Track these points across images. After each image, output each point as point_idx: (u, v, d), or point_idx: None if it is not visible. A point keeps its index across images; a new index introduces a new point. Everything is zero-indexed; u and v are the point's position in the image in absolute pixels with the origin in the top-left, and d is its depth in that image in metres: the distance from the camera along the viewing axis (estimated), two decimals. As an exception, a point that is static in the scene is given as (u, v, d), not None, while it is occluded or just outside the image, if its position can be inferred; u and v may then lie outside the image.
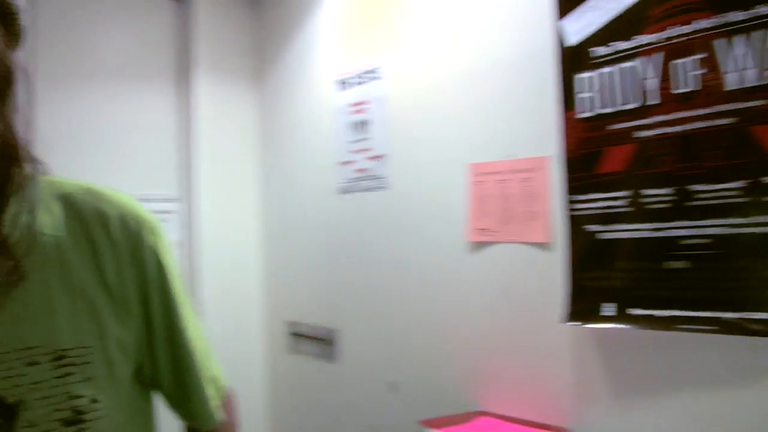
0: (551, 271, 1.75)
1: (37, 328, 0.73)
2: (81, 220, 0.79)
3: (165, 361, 0.86)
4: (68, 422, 0.73)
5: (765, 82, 1.34)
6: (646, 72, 1.52)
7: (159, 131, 2.73)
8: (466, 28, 2.00)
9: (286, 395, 2.78)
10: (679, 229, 1.47)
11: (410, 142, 2.18)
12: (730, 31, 1.38)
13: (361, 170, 2.34)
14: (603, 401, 1.65)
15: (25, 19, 0.81)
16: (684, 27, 1.46)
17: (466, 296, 1.99)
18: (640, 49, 1.54)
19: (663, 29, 1.49)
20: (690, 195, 1.45)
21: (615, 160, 1.59)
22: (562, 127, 1.70)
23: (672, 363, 1.52)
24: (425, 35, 2.12)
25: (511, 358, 1.87)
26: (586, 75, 1.64)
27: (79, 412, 0.74)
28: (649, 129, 1.52)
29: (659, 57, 1.50)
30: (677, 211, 1.47)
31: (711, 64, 1.42)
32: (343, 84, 2.42)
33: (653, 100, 1.51)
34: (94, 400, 0.75)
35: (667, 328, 1.48)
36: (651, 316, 1.51)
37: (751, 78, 1.35)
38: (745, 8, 1.36)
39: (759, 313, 1.33)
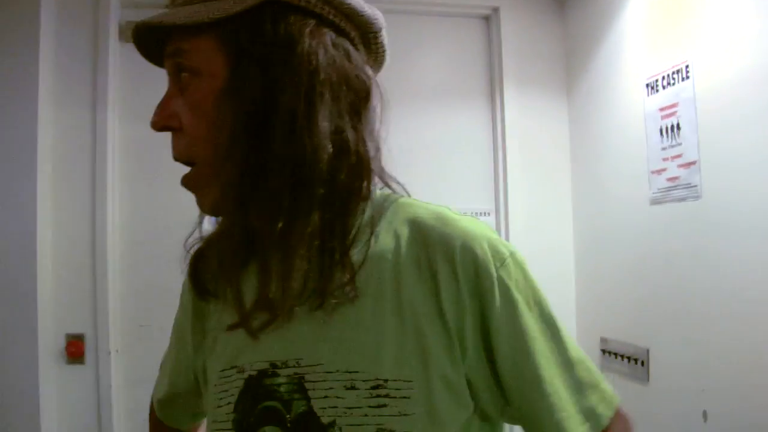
0: None
1: (362, 352, 0.72)
2: (425, 246, 0.76)
3: (514, 400, 0.77)
4: None
5: None
6: None
7: (474, 146, 2.86)
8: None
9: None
10: None
11: (724, 145, 1.95)
12: None
13: (672, 179, 2.17)
14: None
15: (385, 38, 0.83)
16: None
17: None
18: None
19: None
20: None
21: None
22: None
23: None
24: (733, 27, 1.89)
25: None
26: None
27: None
28: None
29: None
30: None
31: None
32: (652, 87, 2.26)
33: None
34: None
35: None
36: None
37: None
38: None
39: None
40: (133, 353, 2.51)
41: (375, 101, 0.80)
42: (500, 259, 0.76)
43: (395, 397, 0.71)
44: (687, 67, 2.09)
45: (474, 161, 2.86)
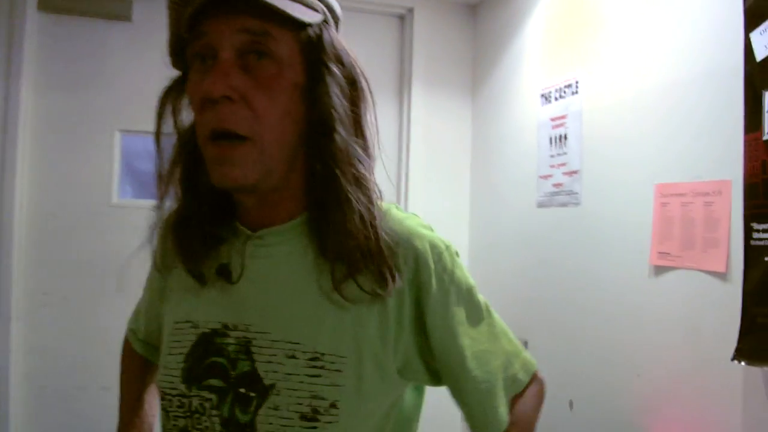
0: (728, 304, 1.62)
1: (304, 328, 0.82)
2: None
3: (445, 379, 0.91)
4: (305, 417, 0.79)
5: None
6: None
7: (381, 141, 2.96)
8: (656, 45, 1.91)
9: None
10: None
11: (602, 158, 2.13)
12: None
13: (557, 185, 2.34)
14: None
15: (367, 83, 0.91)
16: None
17: (644, 321, 1.92)
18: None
19: None
20: None
21: (789, 187, 1.44)
22: (743, 150, 1.57)
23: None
24: (619, 51, 2.06)
25: (681, 391, 1.77)
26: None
27: (317, 412, 0.79)
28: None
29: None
30: None
31: None
32: (546, 97, 2.43)
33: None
34: (333, 405, 0.80)
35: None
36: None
37: None
38: None
39: None
40: (34, 321, 2.53)
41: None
42: (437, 253, 0.88)
43: (329, 369, 0.81)
44: (577, 83, 2.26)
45: (378, 156, 2.96)
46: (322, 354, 0.82)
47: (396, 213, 0.91)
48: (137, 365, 1.15)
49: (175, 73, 0.91)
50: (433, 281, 0.86)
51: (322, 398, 0.80)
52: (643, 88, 1.96)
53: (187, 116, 0.88)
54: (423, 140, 2.95)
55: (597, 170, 2.16)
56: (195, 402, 0.84)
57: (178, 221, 0.90)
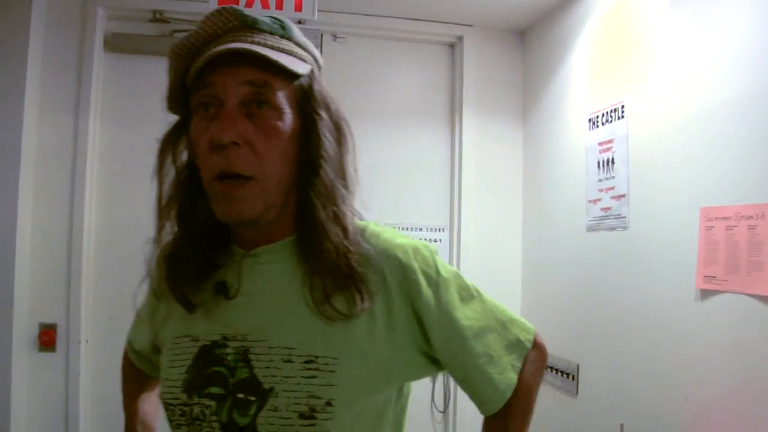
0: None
1: (298, 334, 0.90)
2: (361, 256, 0.94)
3: (447, 361, 0.99)
4: (303, 416, 0.86)
5: None
6: None
7: (433, 166, 3.05)
8: (700, 68, 1.92)
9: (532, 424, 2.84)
10: None
11: (648, 182, 2.14)
12: None
13: (606, 209, 2.35)
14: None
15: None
16: None
17: (691, 345, 1.90)
18: None
19: None
20: None
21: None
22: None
23: None
24: (664, 74, 2.08)
25: (729, 416, 1.75)
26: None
27: (314, 410, 0.86)
28: None
29: None
30: None
31: None
32: (593, 122, 2.45)
33: None
34: (329, 404, 0.87)
35: None
36: None
37: None
38: None
39: None
40: (102, 345, 2.67)
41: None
42: (417, 253, 0.97)
43: (324, 371, 0.88)
44: (623, 107, 2.27)
45: (432, 180, 3.04)
46: (316, 357, 0.89)
47: (374, 229, 1.00)
48: (135, 375, 1.26)
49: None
50: (421, 279, 0.95)
51: (318, 397, 0.87)
52: (687, 112, 1.97)
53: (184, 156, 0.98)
54: (475, 165, 3.00)
55: (644, 194, 2.16)
56: (196, 410, 0.91)
57: (174, 252, 0.99)
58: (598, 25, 2.49)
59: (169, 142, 0.98)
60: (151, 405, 1.25)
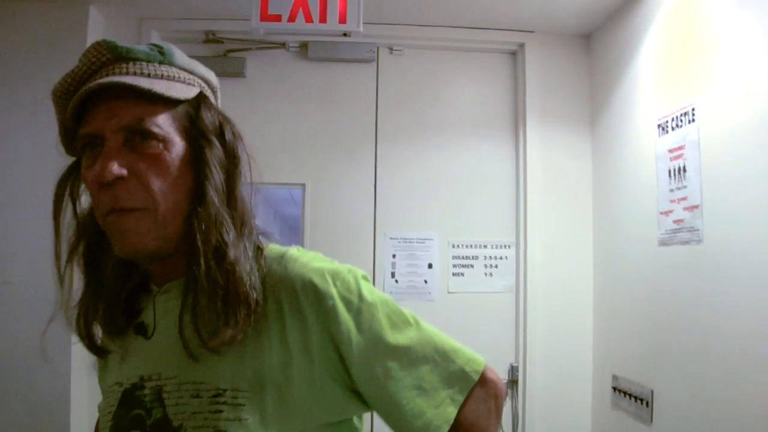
0: None
1: (206, 367, 0.86)
2: (273, 282, 0.90)
3: (372, 396, 0.91)
4: None
5: None
6: None
7: (496, 179, 2.91)
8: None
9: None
10: None
11: (723, 190, 1.94)
12: None
13: (678, 221, 2.16)
14: None
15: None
16: None
17: (773, 373, 1.70)
18: None
19: None
20: None
21: None
22: None
23: None
24: (735, 72, 1.89)
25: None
26: None
27: None
28: None
29: None
30: None
31: None
32: (663, 127, 2.27)
33: None
34: None
35: None
36: None
37: None
38: None
39: None
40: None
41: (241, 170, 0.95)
42: (338, 278, 0.91)
43: (231, 404, 0.84)
44: (693, 110, 2.09)
45: (496, 194, 2.91)
46: (224, 390, 0.85)
47: (294, 254, 0.94)
48: None
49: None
50: (339, 305, 0.89)
51: None
52: (763, 111, 1.77)
53: (86, 199, 0.94)
54: (541, 177, 2.85)
55: (719, 204, 1.96)
56: None
57: (84, 299, 0.95)
58: (664, 24, 2.31)
59: (64, 186, 0.95)
60: None
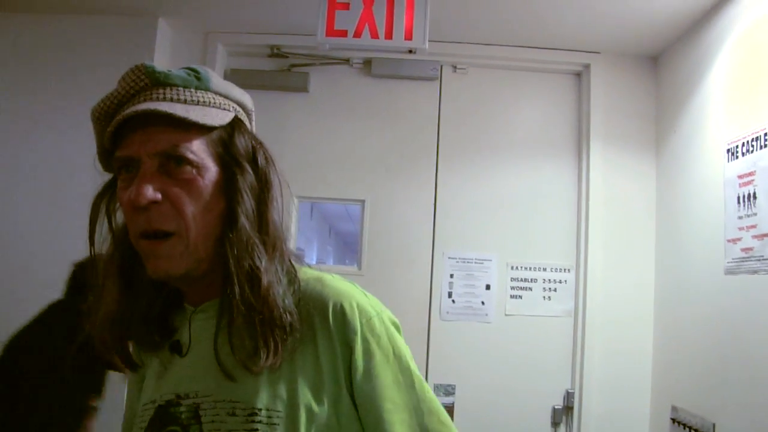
0: None
1: (243, 386, 0.89)
2: (306, 305, 0.92)
3: None
4: None
5: None
6: None
7: (557, 201, 2.87)
8: None
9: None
10: None
11: (795, 219, 1.87)
12: None
13: (746, 249, 2.09)
14: None
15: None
16: None
17: None
18: None
19: None
20: None
21: None
22: None
23: None
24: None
25: None
26: None
27: None
28: None
29: None
30: None
31: None
32: (732, 152, 2.20)
33: None
34: None
35: None
36: None
37: None
38: None
39: None
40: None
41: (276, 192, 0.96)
42: (366, 316, 0.93)
43: (266, 423, 0.87)
44: (765, 134, 2.02)
45: (557, 217, 2.86)
46: (260, 410, 0.87)
47: (329, 278, 0.97)
48: None
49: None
50: (358, 340, 0.91)
51: None
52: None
53: (120, 216, 0.96)
54: (603, 201, 2.79)
55: (790, 233, 1.89)
56: None
57: (118, 314, 0.96)
58: (735, 46, 2.25)
59: (100, 203, 0.97)
60: None
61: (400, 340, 0.96)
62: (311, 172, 2.82)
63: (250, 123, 1.01)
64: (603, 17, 2.57)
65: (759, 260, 2.02)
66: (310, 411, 0.88)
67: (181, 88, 0.92)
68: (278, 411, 0.87)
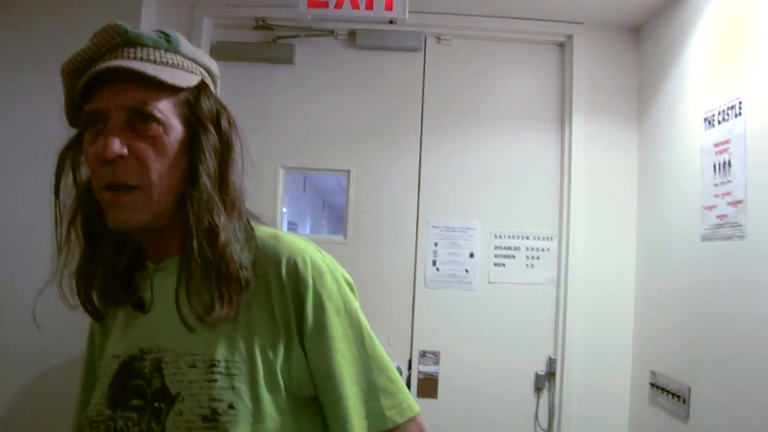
0: None
1: (203, 340, 0.94)
2: (262, 260, 0.98)
3: (319, 391, 0.98)
4: (205, 418, 0.90)
5: None
6: None
7: (540, 171, 2.90)
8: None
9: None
10: None
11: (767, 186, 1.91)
12: None
13: (721, 216, 2.13)
14: None
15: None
16: None
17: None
18: None
19: None
20: None
21: None
22: None
23: None
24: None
25: None
26: None
27: (216, 413, 0.90)
28: None
29: None
30: None
31: None
32: (709, 121, 2.23)
33: None
34: (231, 406, 0.91)
35: None
36: None
37: None
38: None
39: None
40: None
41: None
42: (318, 271, 0.99)
43: (225, 374, 0.92)
44: (740, 103, 2.06)
45: (540, 184, 2.90)
46: (219, 361, 0.92)
47: (285, 235, 1.02)
48: None
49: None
50: (310, 294, 0.96)
51: (220, 400, 0.90)
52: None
53: (86, 171, 1.01)
54: (585, 171, 2.83)
55: (763, 200, 1.93)
56: (119, 423, 0.94)
57: (84, 267, 1.02)
58: (712, 17, 2.27)
59: (66, 157, 1.01)
60: None
61: (352, 297, 1.02)
62: (298, 143, 2.85)
63: (215, 88, 1.06)
64: (585, -13, 2.60)
65: (733, 226, 2.07)
66: (266, 362, 0.94)
67: (151, 49, 0.96)
68: (236, 362, 0.93)
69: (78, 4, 2.65)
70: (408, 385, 2.81)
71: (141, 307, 1.02)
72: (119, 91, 0.93)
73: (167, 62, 0.97)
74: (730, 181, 2.10)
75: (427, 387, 2.81)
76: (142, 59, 0.95)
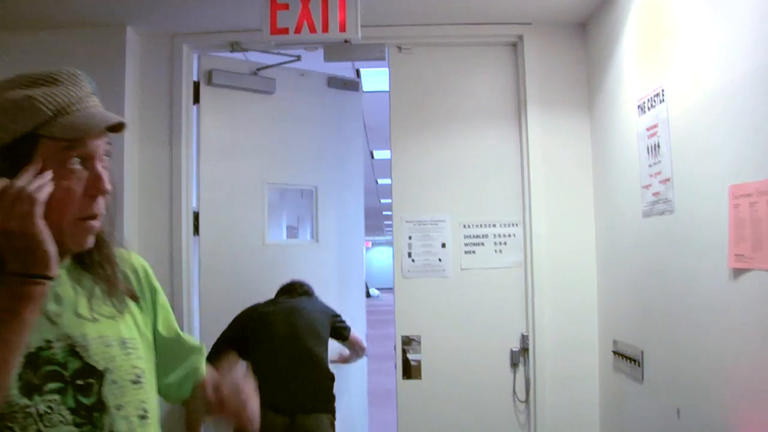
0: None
1: (106, 326, 1.15)
2: (125, 266, 1.28)
3: (163, 347, 1.31)
4: (134, 382, 1.15)
5: None
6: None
7: (502, 163, 3.13)
8: (719, 45, 1.92)
9: (607, 413, 2.88)
10: None
11: (687, 164, 2.14)
12: None
13: (656, 194, 2.36)
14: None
15: None
16: None
17: (727, 326, 1.90)
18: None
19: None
20: None
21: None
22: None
23: None
24: (700, 54, 2.06)
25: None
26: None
27: (139, 377, 1.16)
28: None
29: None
30: None
31: None
32: (642, 108, 2.46)
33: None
34: (144, 371, 1.18)
35: None
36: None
37: None
38: None
39: None
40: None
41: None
42: (150, 270, 1.34)
43: (133, 348, 1.18)
44: (663, 91, 2.28)
45: (503, 175, 3.13)
46: (126, 339, 1.18)
47: (130, 254, 1.32)
48: None
49: None
50: (154, 281, 1.33)
51: (138, 367, 1.17)
52: (711, 90, 1.97)
53: None
54: (542, 161, 3.06)
55: (684, 177, 2.16)
56: (42, 407, 1.02)
57: None
58: (640, 11, 2.50)
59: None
60: None
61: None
62: (279, 162, 3.20)
63: None
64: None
65: (665, 202, 2.29)
66: (147, 339, 1.25)
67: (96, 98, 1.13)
68: (134, 339, 1.20)
69: (65, 46, 2.88)
70: (394, 368, 3.06)
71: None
72: (102, 136, 1.09)
73: None
74: (660, 162, 2.32)
75: (412, 369, 3.04)
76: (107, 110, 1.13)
